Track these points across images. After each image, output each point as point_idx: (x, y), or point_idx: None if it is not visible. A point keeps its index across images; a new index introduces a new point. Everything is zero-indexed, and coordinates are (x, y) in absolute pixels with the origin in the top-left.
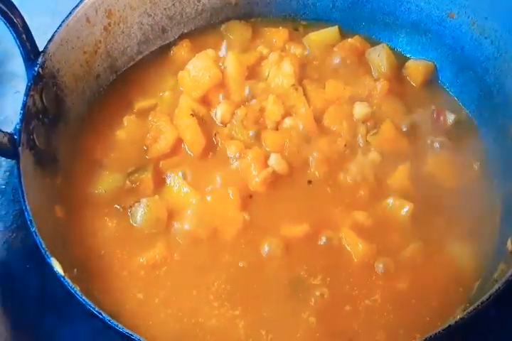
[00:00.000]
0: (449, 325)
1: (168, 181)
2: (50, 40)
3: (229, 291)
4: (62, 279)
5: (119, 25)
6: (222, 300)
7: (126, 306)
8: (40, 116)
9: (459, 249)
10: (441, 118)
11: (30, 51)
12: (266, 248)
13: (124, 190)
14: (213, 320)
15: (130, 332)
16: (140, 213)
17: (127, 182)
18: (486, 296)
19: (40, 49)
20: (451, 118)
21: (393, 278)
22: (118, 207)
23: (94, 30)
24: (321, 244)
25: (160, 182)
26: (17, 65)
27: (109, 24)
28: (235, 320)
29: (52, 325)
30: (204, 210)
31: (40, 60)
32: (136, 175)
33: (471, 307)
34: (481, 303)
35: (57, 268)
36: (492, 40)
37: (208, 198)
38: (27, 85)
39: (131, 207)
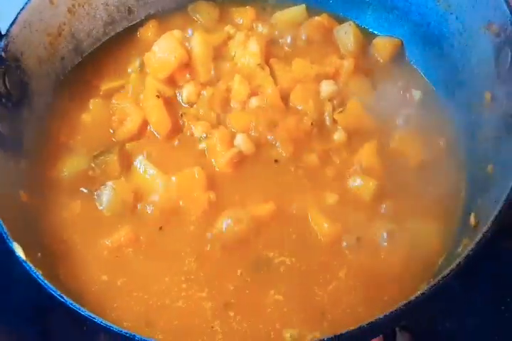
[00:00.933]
0: (409, 301)
1: (134, 163)
2: (12, 23)
3: (195, 272)
4: (24, 264)
5: (83, 6)
6: (189, 282)
7: (91, 289)
8: (3, 100)
9: (424, 225)
10: (407, 95)
11: None
12: (231, 226)
13: (89, 173)
14: (179, 302)
15: (92, 315)
16: (106, 196)
17: (93, 165)
18: (447, 271)
19: (3, 32)
20: (417, 95)
21: (358, 255)
22: (84, 190)
23: (58, 12)
24: (287, 223)
25: (126, 164)
26: None
27: (73, 5)
28: (202, 301)
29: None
30: (170, 191)
31: (2, 43)
32: (102, 157)
33: (432, 283)
34: (442, 278)
35: (19, 252)
36: (457, 16)
37: (174, 179)
38: None
39: (96, 190)
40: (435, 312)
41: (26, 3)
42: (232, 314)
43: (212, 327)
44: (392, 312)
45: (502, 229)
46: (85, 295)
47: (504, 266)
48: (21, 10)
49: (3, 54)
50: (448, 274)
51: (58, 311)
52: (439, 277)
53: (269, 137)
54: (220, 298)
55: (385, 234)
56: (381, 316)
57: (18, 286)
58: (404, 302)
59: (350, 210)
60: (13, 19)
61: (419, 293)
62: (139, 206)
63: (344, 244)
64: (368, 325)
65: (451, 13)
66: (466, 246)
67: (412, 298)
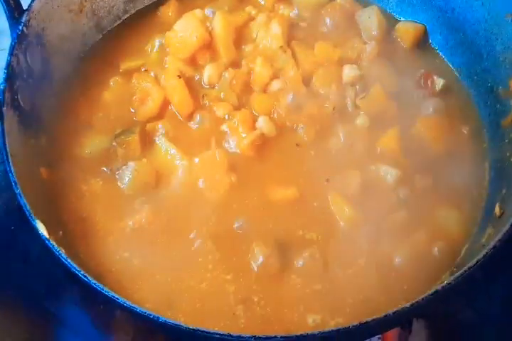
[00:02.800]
0: (436, 290)
1: (155, 143)
2: None
3: (220, 256)
4: (47, 242)
5: None
6: (213, 264)
7: (112, 269)
8: (25, 75)
9: (447, 214)
10: (429, 82)
11: (14, 9)
12: (252, 210)
13: (110, 152)
14: (203, 284)
15: (115, 295)
16: (128, 177)
17: (114, 144)
18: (473, 262)
19: (25, 7)
20: (440, 82)
21: (379, 243)
22: (105, 169)
23: None
24: (308, 207)
25: (147, 144)
26: (2, 21)
27: None
28: (225, 284)
29: (37, 288)
30: (191, 172)
31: (24, 18)
32: (123, 137)
33: (458, 273)
34: (468, 269)
35: (42, 230)
36: (483, 2)
37: (196, 160)
38: (11, 44)
39: (118, 170)
40: (452, 301)
41: None
42: (255, 299)
43: (234, 313)
44: (418, 302)
45: None
46: (106, 275)
47: None
48: None
49: (25, 29)
50: (474, 265)
51: (74, 289)
52: (466, 267)
53: (290, 120)
54: (243, 282)
55: (406, 222)
56: (407, 305)
57: (34, 262)
58: (431, 291)
59: (371, 196)
60: None
61: (445, 282)
62: (161, 187)
63: (365, 230)
64: (394, 313)
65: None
66: (491, 236)
67: (439, 287)
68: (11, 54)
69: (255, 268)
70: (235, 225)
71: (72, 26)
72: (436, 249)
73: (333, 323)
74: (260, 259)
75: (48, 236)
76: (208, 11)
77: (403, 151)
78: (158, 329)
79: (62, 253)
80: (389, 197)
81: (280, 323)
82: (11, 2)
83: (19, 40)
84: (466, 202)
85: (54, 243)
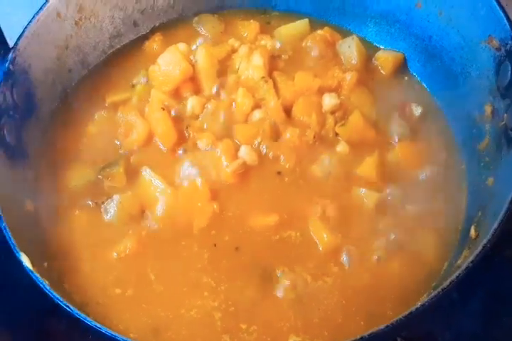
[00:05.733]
0: (411, 312)
1: (140, 175)
2: (20, 36)
3: (204, 282)
4: (31, 273)
5: (90, 19)
6: (200, 291)
7: (98, 300)
8: (11, 112)
9: (425, 237)
10: (409, 108)
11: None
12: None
13: (96, 185)
14: (191, 312)
15: (97, 325)
16: (113, 209)
17: (99, 176)
18: (447, 283)
19: (11, 45)
20: (418, 110)
21: (357, 267)
22: (90, 202)
23: (65, 25)
24: (289, 234)
25: (132, 176)
26: None
27: (80, 19)
28: (212, 312)
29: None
30: (175, 202)
31: (10, 55)
32: (108, 169)
33: (432, 294)
34: (442, 290)
35: (27, 262)
36: (458, 30)
37: (179, 190)
38: None
39: (103, 202)
40: (435, 322)
41: (34, 17)
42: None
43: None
44: (393, 323)
45: (501, 240)
46: (92, 306)
47: (503, 275)
48: (29, 23)
49: (11, 67)
50: (448, 286)
51: (62, 321)
52: (439, 289)
53: (272, 149)
54: (229, 308)
55: (385, 246)
56: (382, 327)
57: (21, 292)
58: (405, 313)
59: (351, 222)
60: (20, 32)
61: (419, 304)
62: (145, 217)
63: (343, 255)
64: (369, 335)
65: (453, 27)
66: (466, 258)
67: (413, 309)
68: None
69: (238, 297)
70: (221, 254)
71: (58, 62)
72: (415, 272)
73: None
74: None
75: (32, 268)
76: (192, 44)
77: (382, 177)
78: None
79: (46, 284)
80: (368, 222)
81: None
82: None
83: (5, 78)
84: (444, 226)
85: (38, 275)
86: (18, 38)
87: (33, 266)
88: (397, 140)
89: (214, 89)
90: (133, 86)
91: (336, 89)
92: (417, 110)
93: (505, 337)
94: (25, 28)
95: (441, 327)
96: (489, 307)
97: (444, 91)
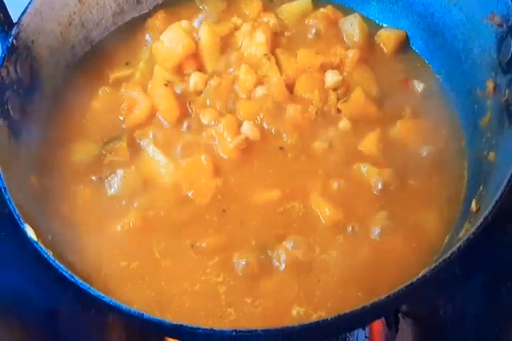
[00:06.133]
0: (411, 282)
1: (143, 150)
2: (24, 12)
3: (207, 256)
4: (35, 245)
5: None
6: (203, 266)
7: (101, 272)
8: (15, 86)
9: (427, 212)
10: (411, 85)
11: (4, 22)
12: (237, 214)
13: (99, 160)
14: (195, 287)
15: (101, 294)
16: (117, 184)
17: (103, 151)
18: (448, 254)
19: (15, 20)
20: (420, 86)
21: (359, 241)
22: (94, 177)
23: (69, 2)
24: (292, 207)
25: (135, 151)
26: None
27: None
28: (216, 286)
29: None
30: (178, 177)
31: (14, 31)
32: (111, 144)
33: (433, 265)
34: (443, 261)
35: (31, 234)
36: (460, 7)
37: (182, 165)
38: (0, 56)
39: (107, 177)
40: (437, 298)
41: None
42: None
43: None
44: (393, 294)
45: (502, 214)
46: (95, 278)
47: (504, 250)
48: None
49: (14, 42)
50: (449, 257)
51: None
52: (440, 260)
53: (274, 125)
54: (233, 282)
55: (387, 221)
56: (383, 297)
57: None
58: (406, 283)
59: (353, 197)
60: (24, 8)
61: (420, 275)
62: (149, 191)
63: (346, 229)
64: (371, 305)
65: (455, 4)
66: (467, 231)
67: (414, 279)
68: (0, 66)
69: (239, 272)
70: (223, 228)
71: (61, 38)
72: (416, 247)
73: (315, 316)
74: (242, 263)
75: (36, 240)
76: (195, 22)
77: (384, 153)
78: (145, 329)
79: (50, 255)
80: (370, 197)
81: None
82: (1, 15)
83: (9, 53)
84: (446, 201)
85: (42, 245)
86: (22, 14)
87: (38, 238)
88: (398, 116)
89: (216, 66)
90: (136, 62)
91: (338, 67)
92: (419, 86)
93: (506, 311)
94: (29, 3)
95: (444, 302)
96: (491, 281)
97: (446, 68)
